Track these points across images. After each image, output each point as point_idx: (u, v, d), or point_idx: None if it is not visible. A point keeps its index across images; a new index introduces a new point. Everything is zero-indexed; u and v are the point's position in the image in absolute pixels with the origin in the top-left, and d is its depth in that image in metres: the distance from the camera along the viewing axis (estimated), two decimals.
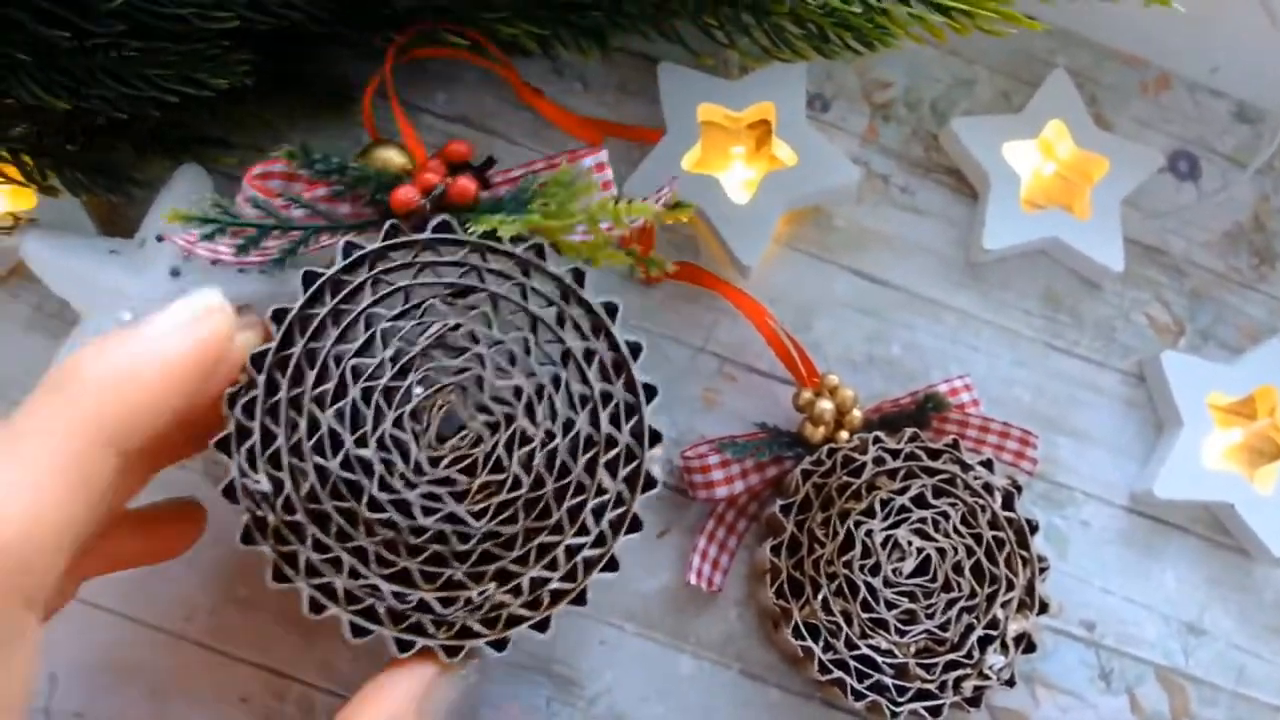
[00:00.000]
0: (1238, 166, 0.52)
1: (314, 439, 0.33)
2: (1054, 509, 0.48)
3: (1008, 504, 0.42)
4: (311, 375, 0.33)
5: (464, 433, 0.34)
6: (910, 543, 0.41)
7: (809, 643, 0.41)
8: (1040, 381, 0.49)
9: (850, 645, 0.41)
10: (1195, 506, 0.48)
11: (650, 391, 0.35)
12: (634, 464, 0.35)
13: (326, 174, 0.37)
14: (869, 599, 0.41)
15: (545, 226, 0.35)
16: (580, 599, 0.35)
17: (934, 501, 0.42)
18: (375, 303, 0.34)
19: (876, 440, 0.42)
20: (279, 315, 0.34)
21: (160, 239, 0.41)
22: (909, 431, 0.42)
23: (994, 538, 0.41)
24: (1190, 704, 0.47)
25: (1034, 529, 0.42)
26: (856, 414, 0.44)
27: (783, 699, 0.45)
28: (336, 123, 0.46)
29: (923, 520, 0.41)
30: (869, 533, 0.41)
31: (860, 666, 0.41)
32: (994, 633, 0.41)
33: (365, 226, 0.37)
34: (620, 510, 0.35)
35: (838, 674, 0.40)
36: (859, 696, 0.40)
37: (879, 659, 0.41)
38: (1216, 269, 0.51)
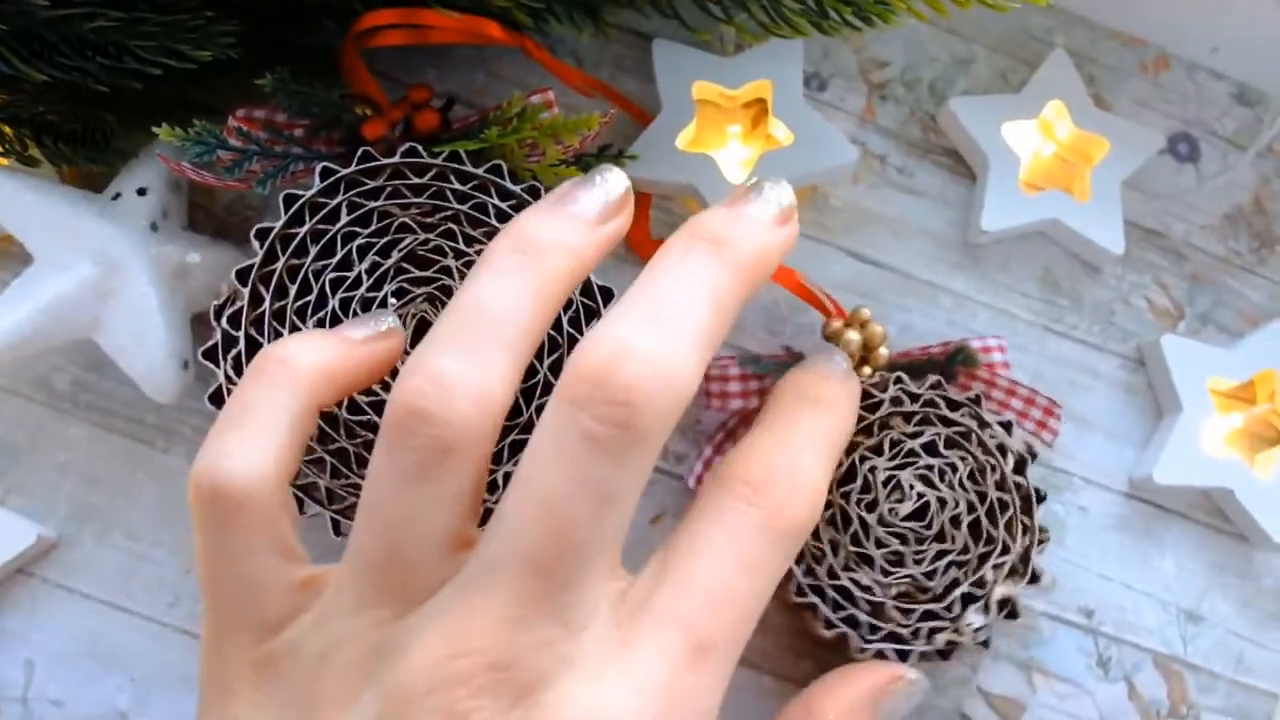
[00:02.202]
0: (1238, 149, 0.52)
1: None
2: (1052, 494, 0.47)
3: (1019, 469, 0.41)
4: (293, 289, 0.37)
5: None
6: (912, 486, 0.40)
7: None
8: (1038, 365, 0.49)
9: (831, 574, 0.40)
10: (1195, 492, 0.48)
11: (607, 294, 0.38)
12: None
13: (303, 109, 0.40)
14: (860, 533, 0.40)
15: (501, 143, 0.38)
16: None
17: (944, 451, 0.41)
18: (351, 223, 0.37)
19: (898, 380, 0.41)
20: (262, 234, 0.37)
21: (142, 192, 0.40)
22: (932, 378, 0.42)
23: (998, 499, 0.41)
24: (1189, 691, 0.46)
25: (1041, 498, 0.41)
26: (883, 352, 0.43)
27: (776, 686, 0.44)
28: (324, 94, 0.45)
29: (929, 467, 0.41)
30: (872, 469, 0.40)
31: (837, 597, 0.40)
32: (979, 592, 0.40)
33: (340, 158, 0.39)
34: None
35: (813, 598, 0.40)
36: (830, 625, 0.40)
37: (857, 593, 0.40)
38: (1216, 253, 0.51)
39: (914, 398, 0.41)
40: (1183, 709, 0.46)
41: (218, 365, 0.37)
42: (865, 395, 0.41)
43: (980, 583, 0.40)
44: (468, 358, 0.23)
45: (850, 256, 0.49)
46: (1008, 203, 0.48)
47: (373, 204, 0.38)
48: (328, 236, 0.37)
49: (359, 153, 0.38)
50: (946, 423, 0.41)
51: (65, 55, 0.37)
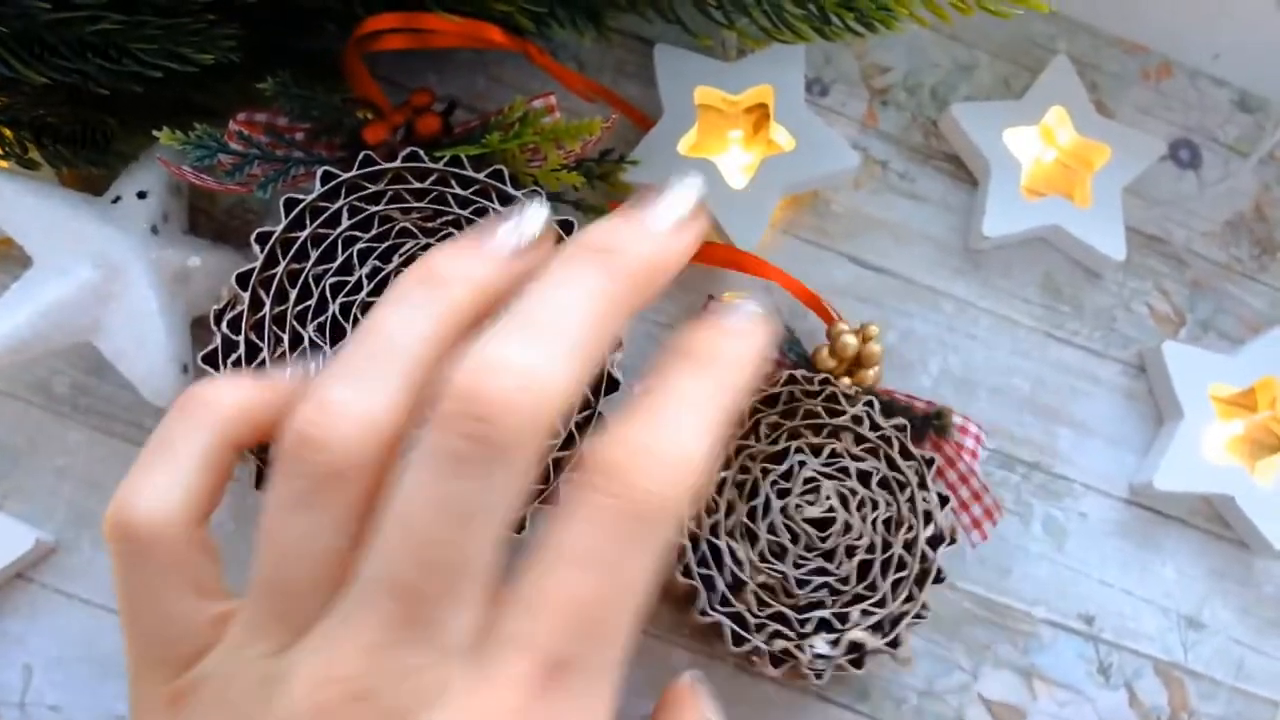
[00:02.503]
0: (1239, 156, 0.52)
1: (296, 352, 0.37)
2: (1052, 500, 0.47)
3: (933, 544, 0.41)
4: (294, 293, 0.37)
5: None
6: (829, 496, 0.40)
7: None
8: (1039, 371, 0.49)
9: (714, 531, 0.40)
10: (1195, 499, 0.48)
11: None
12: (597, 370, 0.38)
13: (304, 113, 0.39)
14: (759, 509, 0.40)
15: (502, 148, 0.38)
16: (551, 498, 0.38)
17: (874, 488, 0.41)
18: (352, 227, 0.37)
19: (869, 404, 0.41)
20: (263, 238, 0.36)
21: (143, 195, 0.40)
22: (900, 420, 0.42)
23: (900, 557, 0.40)
24: (1189, 698, 0.46)
25: (938, 579, 0.41)
26: (871, 374, 0.43)
27: (777, 693, 0.44)
28: (326, 98, 0.45)
29: (853, 491, 0.40)
30: (802, 462, 0.40)
31: (707, 553, 0.40)
32: (838, 625, 0.40)
33: (341, 162, 0.39)
34: (587, 412, 0.38)
35: (684, 542, 0.40)
36: (688, 574, 0.40)
37: (727, 561, 0.40)
38: (1218, 259, 0.51)
39: (875, 427, 0.41)
40: (1183, 716, 0.46)
41: (218, 370, 0.37)
42: (833, 398, 0.41)
43: (843, 618, 0.40)
44: (357, 385, 0.23)
45: (851, 262, 0.49)
46: (1009, 209, 0.48)
47: (374, 208, 0.38)
48: (328, 241, 0.37)
49: (360, 157, 0.38)
50: (891, 465, 0.41)
51: (66, 58, 0.37)
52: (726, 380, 0.25)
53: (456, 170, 0.38)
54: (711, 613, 0.39)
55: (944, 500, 0.42)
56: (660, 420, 0.23)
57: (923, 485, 0.41)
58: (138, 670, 0.25)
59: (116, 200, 0.40)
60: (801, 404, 0.41)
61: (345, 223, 0.37)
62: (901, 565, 0.40)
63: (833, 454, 0.41)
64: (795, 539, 0.40)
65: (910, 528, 0.41)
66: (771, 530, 0.40)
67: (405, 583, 0.21)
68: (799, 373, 0.42)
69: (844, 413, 0.41)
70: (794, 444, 0.40)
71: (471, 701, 0.21)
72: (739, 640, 0.39)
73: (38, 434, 0.44)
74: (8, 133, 0.40)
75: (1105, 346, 0.49)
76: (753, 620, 0.39)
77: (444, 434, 0.21)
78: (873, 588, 0.40)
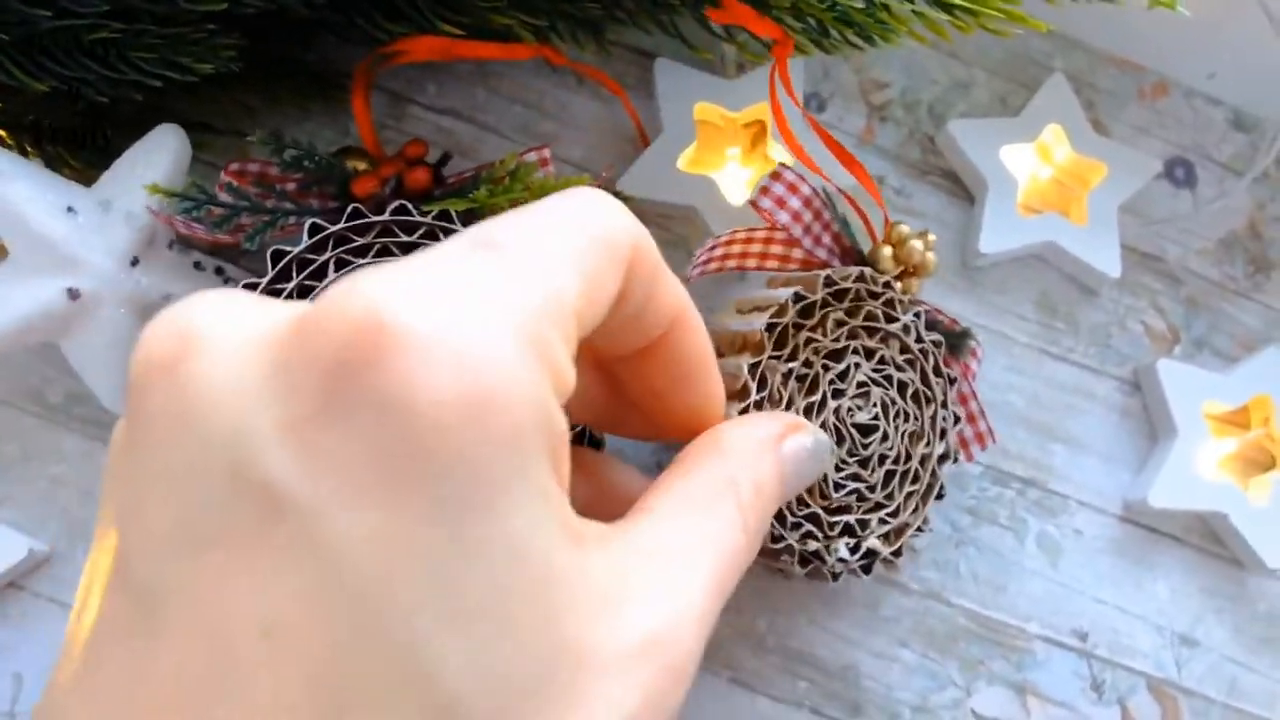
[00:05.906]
0: (1234, 174, 0.52)
1: None
2: (1047, 517, 0.48)
3: (941, 460, 0.41)
4: None
5: None
6: (876, 404, 0.40)
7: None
8: (1034, 388, 0.49)
9: None
10: (1189, 516, 0.48)
11: None
12: None
13: (296, 164, 0.39)
14: (815, 407, 0.39)
15: (490, 204, 0.38)
16: None
17: (908, 400, 0.40)
18: (338, 280, 0.36)
19: (916, 315, 0.41)
20: (249, 289, 0.36)
21: (150, 212, 0.40)
22: (938, 335, 0.41)
23: (916, 469, 0.41)
24: (1182, 716, 0.46)
25: (940, 496, 0.41)
26: (916, 284, 0.42)
27: (772, 708, 0.44)
28: (324, 109, 0.45)
29: (893, 401, 0.40)
30: (858, 365, 0.39)
31: None
32: (858, 531, 0.40)
33: (331, 214, 0.39)
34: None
35: (756, 396, 0.38)
36: None
37: None
38: (1212, 277, 0.51)
39: (919, 339, 0.41)
40: None
41: None
42: (891, 304, 0.40)
43: (864, 524, 0.40)
44: None
45: None
46: (1005, 226, 0.48)
47: (361, 261, 0.37)
48: (314, 294, 0.37)
49: (348, 209, 0.38)
50: (924, 379, 0.41)
51: (66, 65, 0.37)
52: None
53: (445, 224, 0.38)
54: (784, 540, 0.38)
55: (956, 419, 0.42)
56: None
57: (945, 404, 0.41)
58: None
59: (108, 207, 0.39)
60: (865, 304, 0.40)
61: (331, 275, 0.37)
62: (915, 478, 0.41)
63: (882, 360, 0.40)
64: (841, 441, 0.39)
65: (928, 442, 0.41)
66: (823, 427, 0.39)
67: None
68: (868, 271, 0.40)
69: (897, 319, 0.40)
70: (852, 344, 0.39)
71: None
72: (776, 538, 0.38)
73: (32, 442, 0.44)
74: (6, 136, 0.40)
75: (1100, 363, 0.49)
76: (790, 518, 0.38)
77: None
78: (890, 497, 0.40)
